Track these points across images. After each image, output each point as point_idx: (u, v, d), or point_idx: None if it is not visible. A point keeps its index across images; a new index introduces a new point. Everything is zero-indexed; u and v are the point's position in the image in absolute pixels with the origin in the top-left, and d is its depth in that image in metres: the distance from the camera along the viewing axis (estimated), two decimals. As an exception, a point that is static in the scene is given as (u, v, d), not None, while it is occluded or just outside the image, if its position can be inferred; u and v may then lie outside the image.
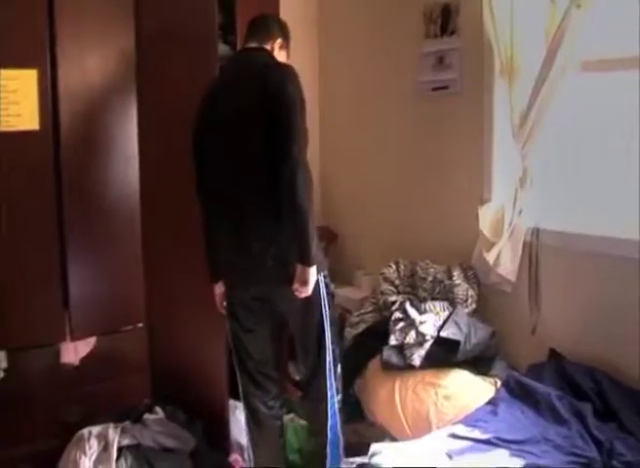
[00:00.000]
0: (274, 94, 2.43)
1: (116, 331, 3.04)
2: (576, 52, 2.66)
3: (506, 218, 2.94)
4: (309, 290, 2.46)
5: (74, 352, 2.91)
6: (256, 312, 2.64)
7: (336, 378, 2.63)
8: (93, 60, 2.88)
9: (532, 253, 2.91)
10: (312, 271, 2.43)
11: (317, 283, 2.50)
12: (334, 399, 2.62)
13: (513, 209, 2.94)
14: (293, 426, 3.13)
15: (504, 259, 2.96)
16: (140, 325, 3.09)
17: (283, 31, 2.72)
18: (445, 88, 3.28)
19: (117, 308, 3.01)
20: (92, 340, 2.95)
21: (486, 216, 3.04)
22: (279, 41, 2.69)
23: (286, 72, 2.50)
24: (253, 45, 2.65)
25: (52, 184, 2.81)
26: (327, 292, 2.58)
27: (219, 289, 2.74)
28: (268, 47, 2.65)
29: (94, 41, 2.88)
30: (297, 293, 2.47)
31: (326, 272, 2.59)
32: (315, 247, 2.44)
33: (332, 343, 2.60)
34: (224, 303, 2.73)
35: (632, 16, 2.57)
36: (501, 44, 2.88)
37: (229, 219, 2.57)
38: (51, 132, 2.80)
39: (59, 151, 2.81)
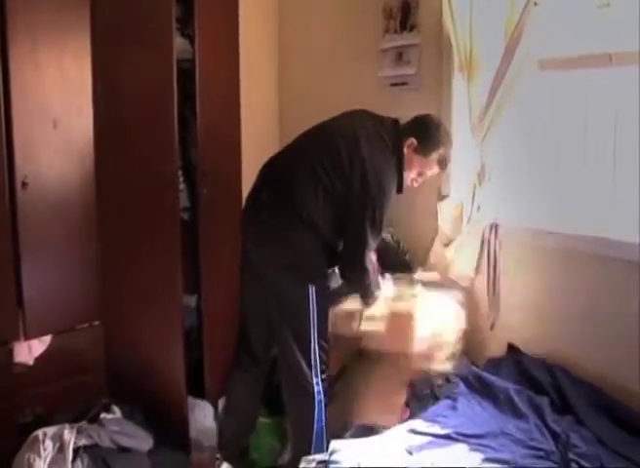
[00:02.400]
0: (365, 185, 2.53)
1: (72, 330, 2.97)
2: (533, 49, 2.68)
3: (465, 214, 2.96)
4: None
5: (28, 351, 2.84)
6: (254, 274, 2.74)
7: (322, 372, 2.67)
8: (46, 54, 2.80)
9: (490, 248, 2.93)
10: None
11: (307, 292, 2.57)
12: (320, 396, 2.66)
13: (472, 205, 2.96)
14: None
15: (463, 255, 2.98)
16: (97, 322, 3.04)
17: (423, 136, 2.65)
18: (404, 84, 3.28)
19: (72, 306, 2.95)
20: (47, 339, 2.88)
21: (445, 212, 3.05)
22: (411, 141, 2.65)
23: (384, 175, 2.57)
24: (390, 122, 2.69)
25: (4, 182, 2.74)
26: (317, 302, 2.60)
27: None
28: (404, 141, 2.64)
29: (48, 34, 2.80)
30: None
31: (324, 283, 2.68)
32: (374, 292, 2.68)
33: (320, 350, 2.64)
34: None
35: (588, 14, 2.61)
36: (461, 40, 2.88)
37: (258, 208, 2.67)
38: (3, 128, 2.72)
39: (11, 148, 2.74)
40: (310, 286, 2.58)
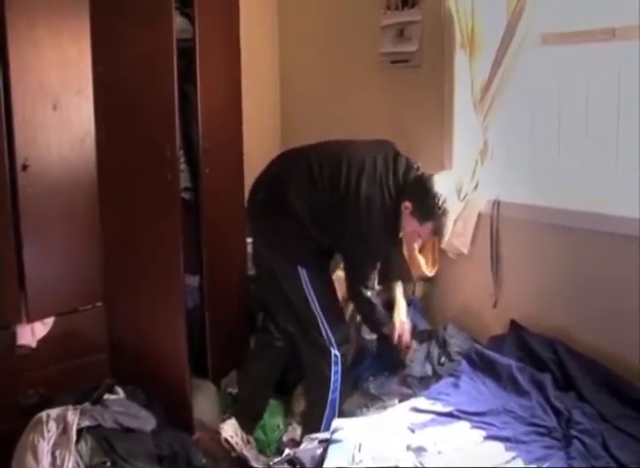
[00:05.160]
0: (355, 222, 2.62)
1: (74, 311, 2.97)
2: (536, 24, 2.65)
3: (462, 191, 2.94)
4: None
5: (31, 334, 2.84)
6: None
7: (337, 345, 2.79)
8: (45, 35, 2.77)
9: (492, 225, 2.92)
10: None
11: (298, 275, 2.71)
12: (337, 366, 2.78)
13: (470, 182, 2.94)
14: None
15: (457, 230, 2.97)
16: (99, 304, 3.03)
17: (419, 205, 2.60)
18: (405, 61, 3.25)
19: (75, 287, 2.94)
20: (49, 321, 2.88)
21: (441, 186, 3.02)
22: (406, 205, 2.62)
23: (376, 226, 2.62)
24: (405, 166, 2.69)
25: (5, 164, 2.72)
26: (311, 284, 2.72)
27: None
28: (404, 198, 2.63)
29: (46, 14, 2.75)
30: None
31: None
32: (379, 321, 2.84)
33: (329, 326, 2.77)
34: None
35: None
36: (462, 16, 2.85)
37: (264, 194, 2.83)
38: (3, 107, 2.70)
39: (11, 130, 2.72)
40: (300, 269, 2.70)
